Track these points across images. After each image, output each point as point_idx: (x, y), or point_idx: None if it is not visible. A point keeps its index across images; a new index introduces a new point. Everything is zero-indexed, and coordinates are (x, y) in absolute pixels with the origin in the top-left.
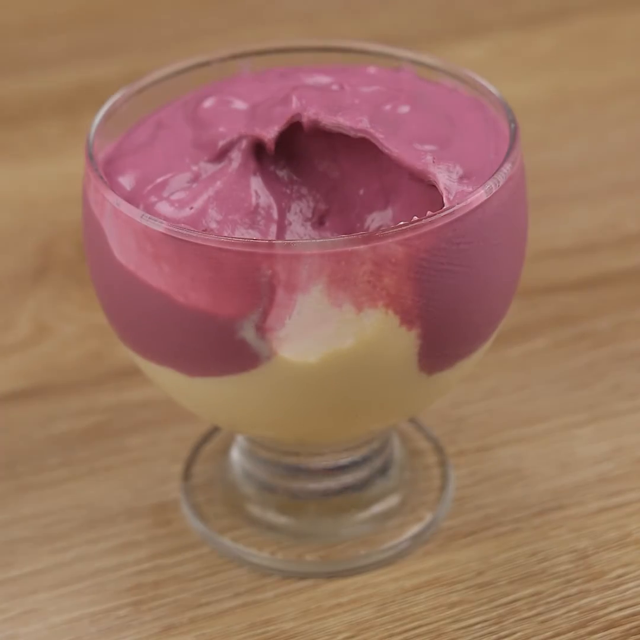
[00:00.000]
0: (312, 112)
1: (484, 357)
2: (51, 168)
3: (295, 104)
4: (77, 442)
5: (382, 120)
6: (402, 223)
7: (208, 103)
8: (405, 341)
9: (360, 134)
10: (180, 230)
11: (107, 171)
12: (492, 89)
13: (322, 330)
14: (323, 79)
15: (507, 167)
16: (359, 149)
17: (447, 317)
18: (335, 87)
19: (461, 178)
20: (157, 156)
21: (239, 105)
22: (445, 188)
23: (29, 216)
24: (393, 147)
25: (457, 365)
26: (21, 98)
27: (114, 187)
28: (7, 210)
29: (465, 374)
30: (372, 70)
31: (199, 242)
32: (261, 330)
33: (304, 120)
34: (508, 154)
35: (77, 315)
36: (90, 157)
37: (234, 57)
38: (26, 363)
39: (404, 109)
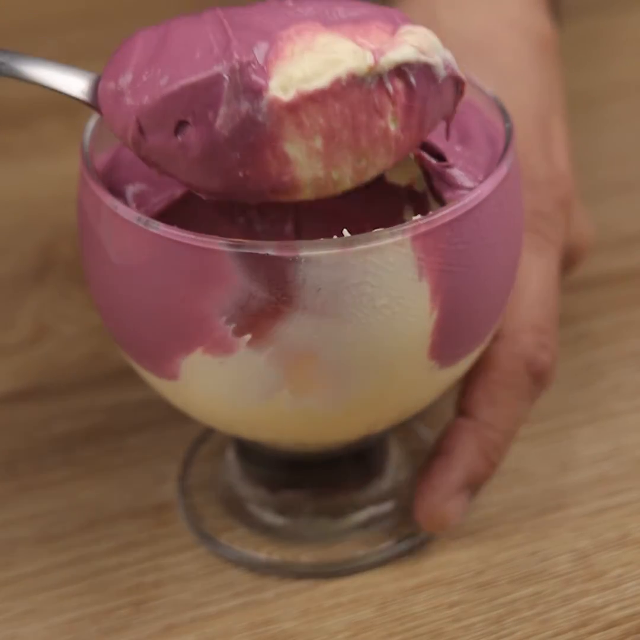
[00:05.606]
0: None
1: None
2: (51, 168)
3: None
4: (77, 442)
5: None
6: (399, 225)
7: None
8: None
9: None
10: (177, 233)
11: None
12: (486, 89)
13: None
14: None
15: (503, 167)
16: None
17: (445, 317)
18: None
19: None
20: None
21: None
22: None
23: (29, 216)
24: None
25: (454, 364)
26: (21, 98)
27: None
28: (7, 210)
29: (463, 373)
30: None
31: (196, 244)
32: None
33: None
34: (503, 154)
35: (77, 315)
36: (86, 160)
37: None
38: (26, 363)
39: None
